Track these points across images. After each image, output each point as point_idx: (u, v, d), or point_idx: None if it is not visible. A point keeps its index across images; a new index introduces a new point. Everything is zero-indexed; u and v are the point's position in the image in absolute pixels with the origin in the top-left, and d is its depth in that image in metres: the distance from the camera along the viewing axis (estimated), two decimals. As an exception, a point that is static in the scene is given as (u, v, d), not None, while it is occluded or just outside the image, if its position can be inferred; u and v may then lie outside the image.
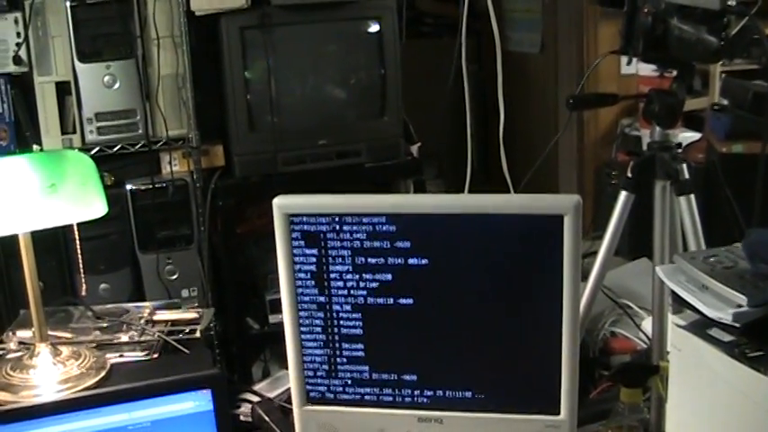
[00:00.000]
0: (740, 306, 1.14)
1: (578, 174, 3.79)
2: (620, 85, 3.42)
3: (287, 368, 1.41)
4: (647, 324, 2.31)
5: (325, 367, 1.38)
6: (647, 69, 2.88)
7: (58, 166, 1.37)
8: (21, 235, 1.41)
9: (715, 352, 1.15)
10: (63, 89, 2.59)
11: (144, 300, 2.52)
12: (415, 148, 2.96)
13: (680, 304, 1.22)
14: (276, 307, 2.77)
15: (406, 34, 2.96)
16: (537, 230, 1.27)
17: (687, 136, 2.99)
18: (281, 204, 1.31)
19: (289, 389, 1.53)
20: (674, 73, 1.81)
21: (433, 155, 3.36)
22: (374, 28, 2.82)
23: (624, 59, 1.84)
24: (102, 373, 1.49)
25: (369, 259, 1.31)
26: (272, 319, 2.80)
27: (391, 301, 1.32)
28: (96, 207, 1.42)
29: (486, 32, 2.84)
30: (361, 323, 1.35)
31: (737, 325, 1.13)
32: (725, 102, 3.01)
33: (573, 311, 1.28)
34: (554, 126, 3.79)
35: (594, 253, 1.93)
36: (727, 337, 1.15)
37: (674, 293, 1.23)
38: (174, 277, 2.75)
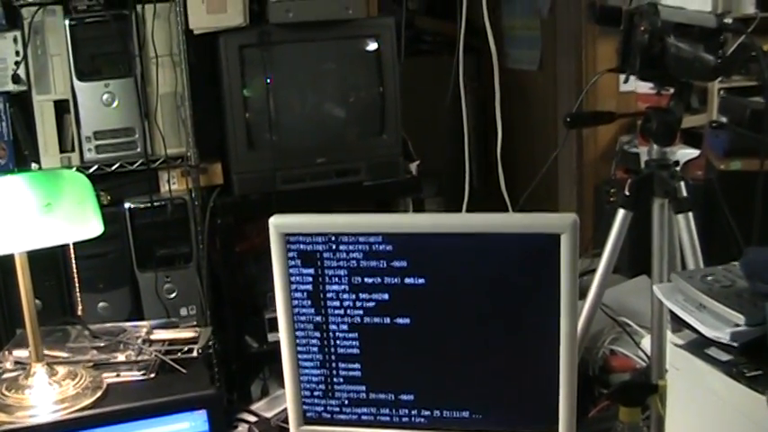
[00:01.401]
0: (738, 325, 1.13)
1: (578, 191, 3.79)
2: (619, 102, 3.42)
3: (286, 387, 1.40)
4: (647, 342, 2.30)
5: (322, 387, 1.38)
6: (645, 87, 2.89)
7: (53, 186, 1.37)
8: (17, 254, 1.40)
9: (713, 371, 1.14)
10: (62, 107, 2.59)
11: (143, 318, 2.51)
12: (413, 166, 2.96)
13: (678, 323, 1.21)
14: (275, 325, 2.72)
15: (405, 52, 2.96)
16: (534, 249, 1.26)
17: (686, 153, 2.99)
18: (278, 224, 1.31)
19: (286, 408, 1.53)
20: (672, 91, 1.81)
21: (433, 173, 3.36)
22: (373, 46, 2.82)
23: (622, 77, 1.85)
24: (99, 393, 1.48)
25: (365, 279, 1.31)
26: (272, 337, 2.79)
27: (388, 320, 1.32)
28: (92, 226, 1.42)
29: (486, 50, 2.84)
30: (357, 343, 1.34)
31: (735, 344, 1.13)
32: (723, 119, 3.01)
33: (570, 330, 1.27)
34: (553, 143, 3.80)
35: (593, 271, 1.92)
36: (725, 357, 1.15)
37: (671, 313, 1.23)
38: (173, 296, 2.74)
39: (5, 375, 1.57)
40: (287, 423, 1.52)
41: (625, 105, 3.30)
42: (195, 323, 2.64)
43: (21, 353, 1.63)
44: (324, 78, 2.85)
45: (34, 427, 1.21)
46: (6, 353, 1.65)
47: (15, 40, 2.51)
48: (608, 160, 3.69)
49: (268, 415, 1.90)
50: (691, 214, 1.81)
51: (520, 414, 1.34)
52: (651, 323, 1.92)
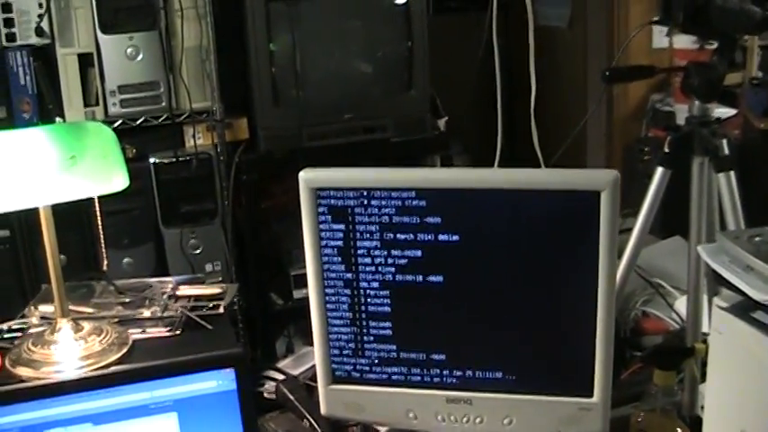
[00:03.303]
0: (787, 288, 1.09)
1: (607, 150, 3.73)
2: (651, 59, 3.33)
3: (311, 344, 1.37)
4: (680, 304, 2.26)
5: (352, 346, 1.35)
6: (682, 42, 2.81)
7: (77, 138, 1.33)
8: (41, 209, 1.37)
9: (759, 335, 1.10)
10: (86, 61, 2.57)
11: (167, 274, 2.50)
12: (441, 123, 2.92)
13: (723, 285, 1.17)
14: (300, 282, 2.74)
15: (433, 8, 2.91)
16: (572, 207, 1.22)
17: (721, 112, 2.92)
18: (308, 178, 1.27)
19: (313, 366, 1.50)
20: (715, 45, 1.75)
21: (459, 130, 3.32)
22: (401, 0, 2.77)
23: (657, 33, 1.79)
24: (125, 350, 1.46)
25: (398, 235, 1.27)
26: (297, 294, 2.78)
27: (420, 278, 1.28)
28: (117, 180, 1.38)
29: (514, 6, 2.78)
30: (388, 301, 1.31)
31: (784, 308, 1.09)
32: (765, 76, 2.93)
33: (608, 291, 1.24)
34: (583, 102, 3.73)
35: (626, 230, 1.88)
36: (772, 321, 1.11)
37: (716, 274, 1.18)
38: (198, 252, 2.73)
39: (31, 330, 1.55)
40: (314, 381, 1.50)
41: (658, 63, 3.22)
42: (220, 279, 2.64)
43: (46, 308, 1.61)
44: (351, 33, 2.80)
45: (60, 384, 1.19)
46: (32, 308, 1.63)
47: (38, -8, 2.48)
48: (638, 119, 3.62)
49: (295, 373, 1.89)
50: (732, 173, 1.75)
51: (554, 376, 1.31)
52: (687, 285, 1.88)
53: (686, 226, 1.88)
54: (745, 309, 1.14)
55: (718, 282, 1.20)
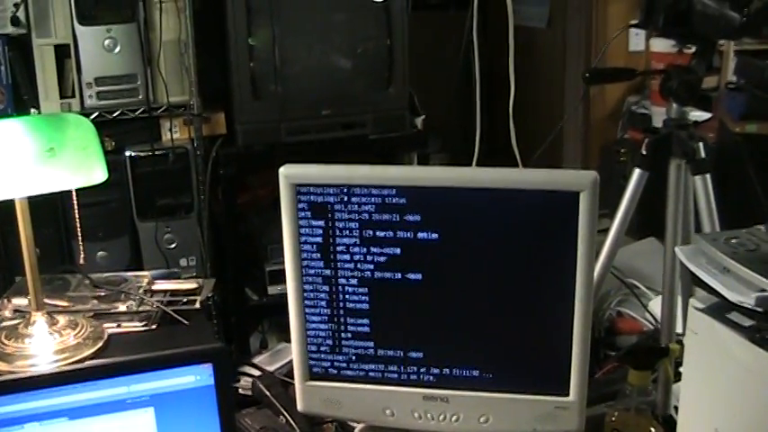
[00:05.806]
0: (763, 290, 1.10)
1: (583, 151, 3.75)
2: (628, 62, 3.36)
3: (285, 340, 1.37)
4: (654, 305, 2.28)
5: (329, 342, 1.34)
6: (660, 46, 2.83)
7: (57, 130, 1.32)
8: (17, 200, 1.36)
9: (734, 336, 1.11)
10: (62, 52, 2.54)
11: (142, 268, 2.49)
12: (419, 121, 2.92)
13: (699, 286, 1.18)
14: (275, 278, 2.74)
15: (413, 5, 2.91)
16: (552, 207, 1.23)
17: (696, 115, 2.95)
18: (289, 174, 1.27)
19: (289, 362, 1.50)
20: (693, 49, 1.76)
21: (437, 128, 3.32)
22: (381, -3, 2.77)
23: (633, 36, 1.80)
24: (100, 344, 1.46)
25: (377, 232, 1.27)
26: (272, 290, 2.78)
27: (399, 275, 1.28)
28: (97, 173, 1.38)
29: (494, 5, 2.78)
30: (367, 298, 1.31)
31: (760, 310, 1.10)
32: (740, 80, 2.96)
33: (586, 291, 1.24)
34: (560, 102, 3.74)
35: (603, 231, 1.89)
36: (747, 322, 1.12)
37: (693, 275, 1.20)
38: (173, 246, 2.72)
39: (4, 324, 1.54)
40: (289, 377, 1.50)
41: (634, 66, 3.24)
42: (195, 274, 2.63)
43: (20, 301, 1.60)
44: (331, 29, 2.80)
45: (35, 377, 1.18)
46: (5, 301, 1.62)
47: (15, -20, 2.45)
48: (614, 120, 3.65)
49: (270, 368, 1.88)
50: (708, 176, 1.77)
51: (531, 375, 1.32)
52: (663, 286, 1.89)
53: (660, 228, 1.90)
54: (720, 310, 1.15)
55: (694, 283, 1.21)
